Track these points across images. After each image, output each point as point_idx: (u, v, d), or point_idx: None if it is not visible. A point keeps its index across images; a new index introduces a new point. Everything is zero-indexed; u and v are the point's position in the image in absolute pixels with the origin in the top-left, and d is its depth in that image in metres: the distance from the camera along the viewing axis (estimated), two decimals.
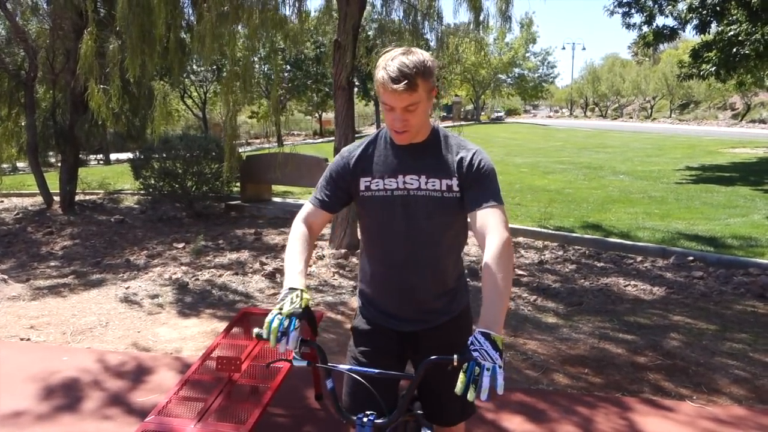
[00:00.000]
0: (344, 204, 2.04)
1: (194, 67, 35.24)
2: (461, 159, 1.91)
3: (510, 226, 7.64)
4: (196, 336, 4.75)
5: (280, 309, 1.70)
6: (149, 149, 9.77)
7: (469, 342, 1.62)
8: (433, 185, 1.92)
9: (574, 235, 7.92)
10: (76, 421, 3.34)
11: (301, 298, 1.74)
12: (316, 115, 50.32)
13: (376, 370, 1.80)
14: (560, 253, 7.31)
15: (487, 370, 1.55)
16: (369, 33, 11.19)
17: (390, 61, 1.77)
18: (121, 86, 7.72)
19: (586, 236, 7.82)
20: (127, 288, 6.12)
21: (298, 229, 1.97)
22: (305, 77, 39.48)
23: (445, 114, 58.54)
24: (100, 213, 11.08)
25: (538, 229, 8.31)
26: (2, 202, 12.98)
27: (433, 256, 1.98)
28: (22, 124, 11.52)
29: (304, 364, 1.74)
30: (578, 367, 4.03)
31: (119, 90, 6.24)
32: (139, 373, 3.99)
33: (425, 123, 1.92)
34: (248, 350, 3.23)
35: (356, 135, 7.62)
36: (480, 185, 1.87)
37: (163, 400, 2.81)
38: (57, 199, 11.47)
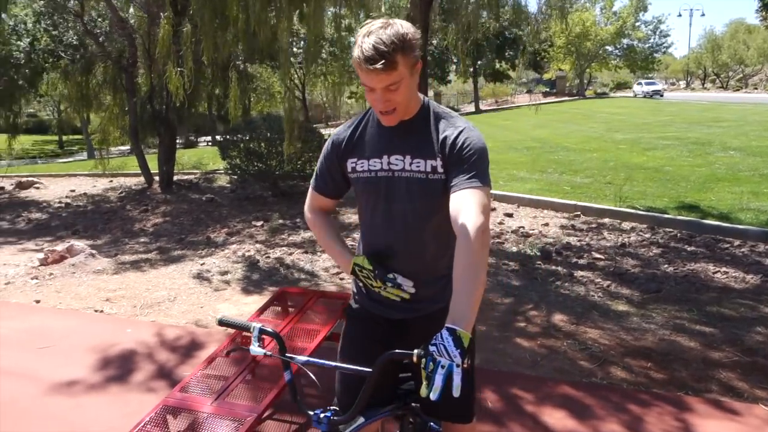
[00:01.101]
0: (346, 187, 1.96)
1: (293, 49, 36.18)
2: (445, 138, 1.75)
3: (596, 206, 7.12)
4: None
5: None
6: (235, 130, 10.08)
7: (434, 337, 1.47)
8: (418, 166, 1.77)
9: (666, 216, 7.32)
10: (122, 392, 3.48)
11: None
12: None
13: (333, 363, 1.69)
14: (647, 235, 6.78)
15: (442, 367, 1.39)
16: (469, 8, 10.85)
17: (365, 38, 1.60)
18: (212, 69, 7.97)
19: (679, 218, 7.20)
20: (202, 264, 6.35)
21: (315, 220, 2.00)
22: None
23: (548, 89, 56.44)
24: (194, 192, 11.62)
25: (627, 210, 7.76)
26: (111, 181, 13.97)
27: (420, 241, 1.84)
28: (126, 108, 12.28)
29: (260, 353, 1.66)
30: (640, 361, 3.69)
31: (192, 72, 6.42)
32: (191, 348, 4.10)
33: (412, 99, 1.77)
34: (278, 330, 3.21)
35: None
36: (462, 166, 1.70)
37: (187, 377, 2.86)
38: (158, 179, 12.16)
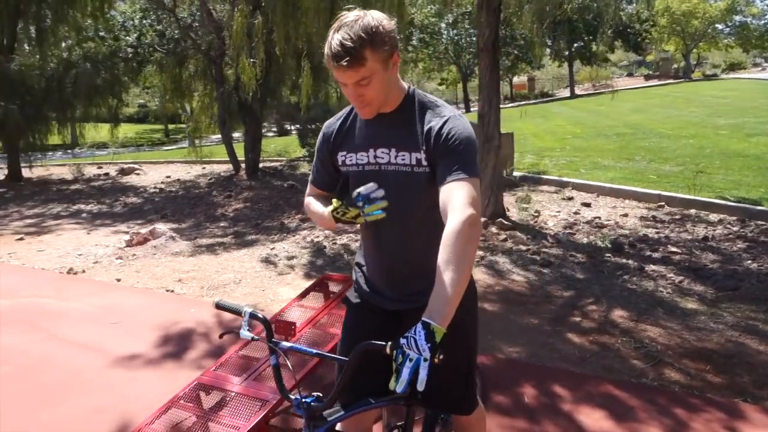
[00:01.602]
0: (339, 180, 1.94)
1: None
2: (430, 129, 1.70)
3: (682, 196, 6.71)
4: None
5: None
6: (313, 119, 10.30)
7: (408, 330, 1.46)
8: (403, 159, 1.74)
9: (759, 208, 6.77)
10: (174, 368, 3.69)
11: None
12: (507, 78, 48.83)
13: (315, 351, 1.71)
14: (735, 228, 6.31)
15: (410, 360, 1.38)
16: None
17: (334, 34, 1.58)
18: (284, 59, 8.18)
19: None
20: (271, 249, 6.57)
21: (307, 200, 1.96)
22: None
23: (650, 72, 53.40)
24: (277, 179, 12.00)
25: (717, 201, 7.25)
26: (204, 168, 14.69)
27: (409, 236, 1.81)
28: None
29: (249, 337, 1.71)
30: (699, 363, 3.46)
31: (263, 63, 6.61)
32: None
33: (392, 91, 1.73)
34: (312, 315, 3.28)
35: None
36: (448, 157, 1.64)
37: (222, 357, 2.98)
38: (244, 166, 12.66)
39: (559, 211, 7.46)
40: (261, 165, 13.13)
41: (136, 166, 15.18)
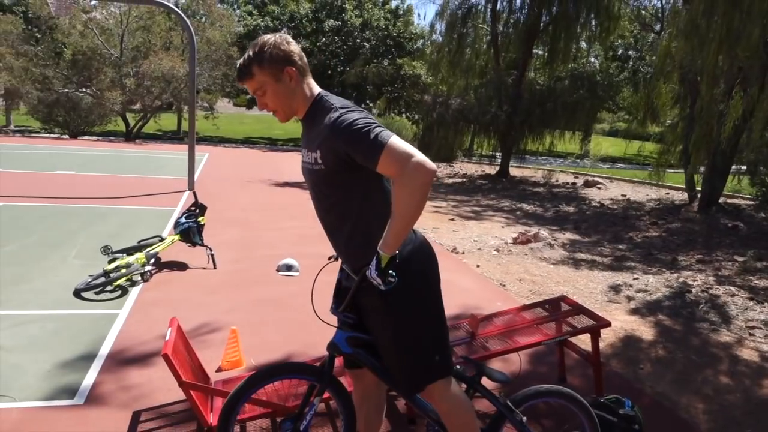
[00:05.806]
0: None
1: None
2: (324, 131, 1.94)
3: None
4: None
5: None
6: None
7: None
8: (309, 158, 2.04)
9: None
10: None
11: None
12: None
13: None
14: None
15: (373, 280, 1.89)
16: None
17: None
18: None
19: None
20: (634, 278, 6.34)
21: None
22: None
23: None
24: (729, 217, 10.77)
25: None
26: (667, 194, 14.23)
27: (334, 224, 2.11)
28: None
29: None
30: None
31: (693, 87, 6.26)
32: None
33: (296, 100, 2.04)
34: (509, 323, 3.43)
35: None
36: (353, 148, 1.87)
37: None
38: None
39: None
40: (723, 200, 11.94)
41: (600, 180, 15.76)
